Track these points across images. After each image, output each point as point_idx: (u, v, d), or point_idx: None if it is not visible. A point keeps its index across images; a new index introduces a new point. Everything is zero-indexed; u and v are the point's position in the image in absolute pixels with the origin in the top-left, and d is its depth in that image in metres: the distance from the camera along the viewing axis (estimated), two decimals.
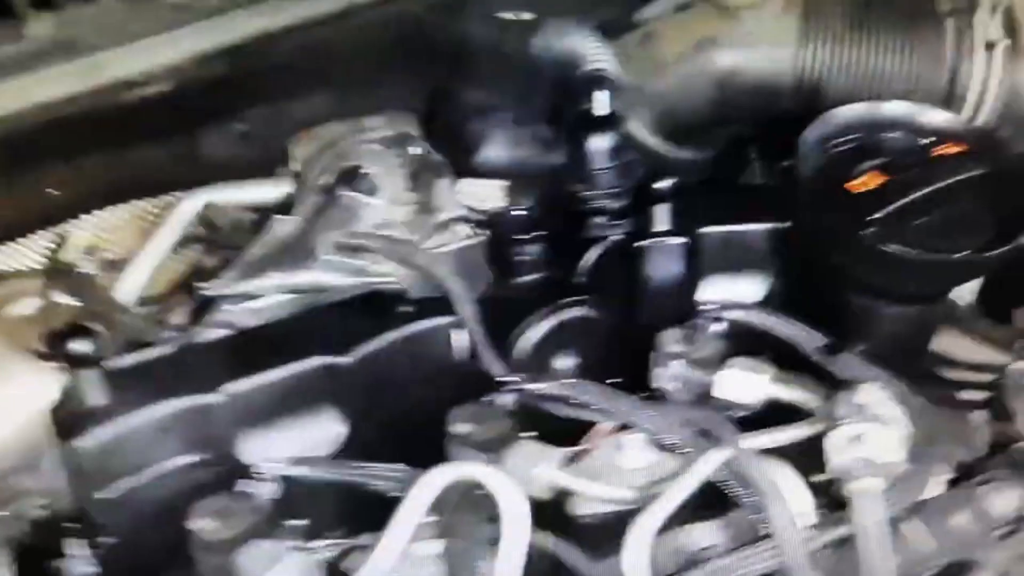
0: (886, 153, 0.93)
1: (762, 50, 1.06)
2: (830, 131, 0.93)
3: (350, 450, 0.89)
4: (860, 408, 0.78)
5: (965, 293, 1.06)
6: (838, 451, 0.77)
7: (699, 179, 1.15)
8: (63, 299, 0.91)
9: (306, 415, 0.89)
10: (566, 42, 0.97)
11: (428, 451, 0.80)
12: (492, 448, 0.80)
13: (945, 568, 0.80)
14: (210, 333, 0.93)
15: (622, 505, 0.80)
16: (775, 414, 0.85)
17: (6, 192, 0.89)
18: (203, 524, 0.75)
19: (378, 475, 0.81)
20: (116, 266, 1.00)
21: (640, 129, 1.10)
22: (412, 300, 0.94)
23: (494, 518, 0.74)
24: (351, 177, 0.97)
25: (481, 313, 0.90)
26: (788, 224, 0.98)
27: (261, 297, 0.94)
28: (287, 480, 0.83)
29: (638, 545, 0.75)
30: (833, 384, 0.83)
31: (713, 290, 0.99)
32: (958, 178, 0.89)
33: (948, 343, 1.01)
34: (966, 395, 0.98)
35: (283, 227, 0.97)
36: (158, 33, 0.73)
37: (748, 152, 1.15)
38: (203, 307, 0.94)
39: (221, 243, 1.03)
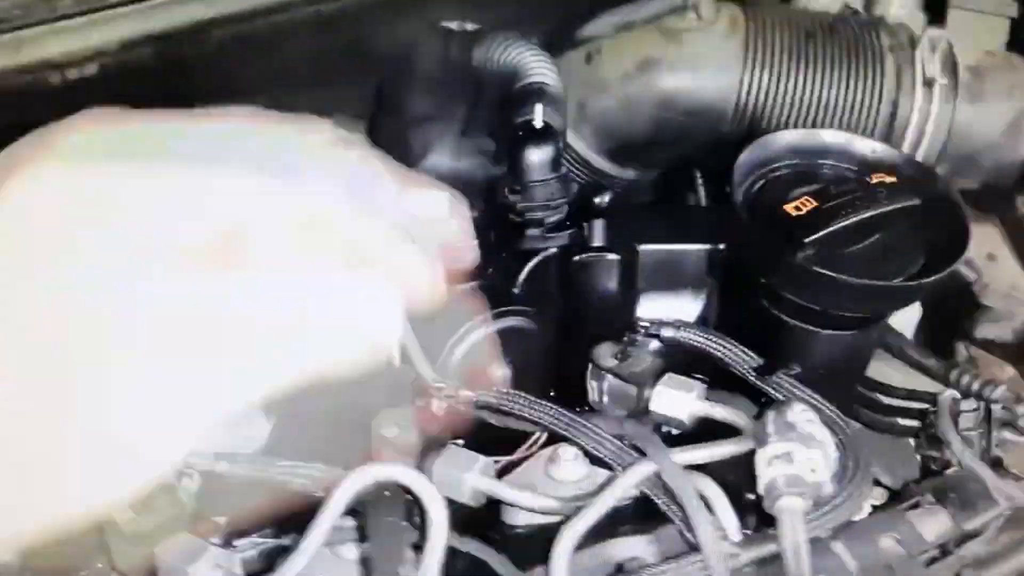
0: (821, 180, 0.93)
1: (704, 73, 1.07)
2: (765, 156, 0.93)
3: (275, 448, 0.87)
4: (789, 427, 0.78)
5: (905, 324, 1.07)
6: (765, 468, 0.77)
7: (642, 199, 1.16)
8: None
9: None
10: (508, 54, 0.97)
11: (356, 453, 0.79)
12: (420, 453, 0.79)
13: None
14: None
15: (552, 516, 0.79)
16: (717, 431, 0.84)
17: None
18: (124, 515, 0.74)
19: (301, 474, 0.80)
20: None
21: (582, 146, 1.10)
22: None
23: (415, 522, 0.74)
24: None
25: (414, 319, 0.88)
26: (724, 245, 0.98)
27: None
28: (210, 475, 0.81)
29: (560, 557, 0.74)
30: (766, 404, 0.83)
31: (651, 307, 0.99)
32: (891, 207, 0.89)
33: (884, 370, 1.02)
34: (899, 421, 0.98)
35: None
36: (86, 14, 0.71)
37: (693, 174, 1.15)
38: None
39: None
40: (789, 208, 0.89)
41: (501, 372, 0.96)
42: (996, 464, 0.89)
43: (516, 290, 0.97)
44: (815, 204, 0.89)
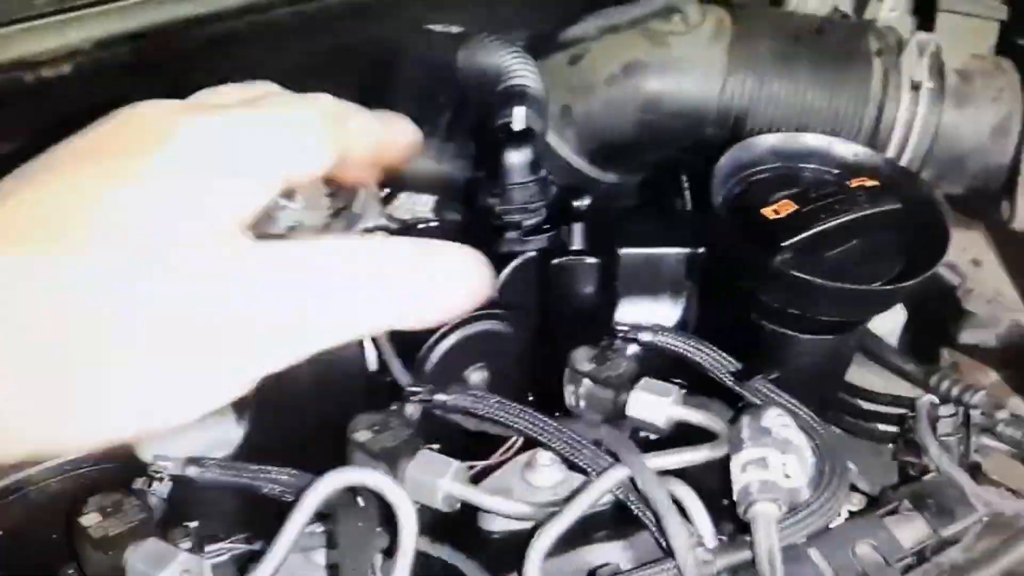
0: (802, 183, 0.93)
1: (689, 77, 1.07)
2: (746, 159, 0.93)
3: (247, 453, 0.87)
4: (763, 432, 0.77)
5: (890, 329, 1.07)
6: (739, 474, 0.76)
7: (626, 203, 1.16)
8: None
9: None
10: (490, 56, 0.97)
11: (328, 458, 0.78)
12: (392, 457, 0.78)
13: None
14: None
15: (527, 521, 0.79)
16: (695, 436, 0.84)
17: None
18: (91, 520, 0.73)
19: (272, 479, 0.79)
20: None
21: (566, 149, 1.10)
22: None
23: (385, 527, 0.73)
24: None
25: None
26: (704, 249, 0.97)
27: None
28: (181, 480, 0.80)
29: (532, 563, 0.74)
30: (741, 409, 0.83)
31: (630, 311, 0.99)
32: (872, 211, 0.89)
33: (864, 375, 1.02)
34: (879, 426, 0.98)
35: None
36: (62, 12, 0.71)
37: (680, 177, 1.15)
38: None
39: None
40: (768, 212, 0.88)
41: (478, 375, 0.96)
42: (975, 470, 0.89)
43: (495, 293, 0.96)
44: (794, 208, 0.88)
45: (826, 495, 0.77)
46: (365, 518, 0.74)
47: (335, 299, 0.46)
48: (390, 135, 0.61)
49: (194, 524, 0.78)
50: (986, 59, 1.18)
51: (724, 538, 0.77)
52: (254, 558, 0.74)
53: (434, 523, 0.79)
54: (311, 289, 0.46)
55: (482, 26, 1.02)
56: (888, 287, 0.85)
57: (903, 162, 1.10)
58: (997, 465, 0.89)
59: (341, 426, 0.80)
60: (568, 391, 0.88)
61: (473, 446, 0.90)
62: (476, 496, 0.79)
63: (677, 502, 0.77)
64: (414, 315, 0.49)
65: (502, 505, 0.79)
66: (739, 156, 0.93)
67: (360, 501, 0.76)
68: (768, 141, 0.95)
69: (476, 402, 0.85)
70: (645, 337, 0.92)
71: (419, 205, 1.09)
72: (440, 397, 0.85)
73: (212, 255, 0.44)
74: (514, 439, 0.90)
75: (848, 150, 0.96)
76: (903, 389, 0.98)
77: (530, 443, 0.86)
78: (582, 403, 0.88)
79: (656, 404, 0.84)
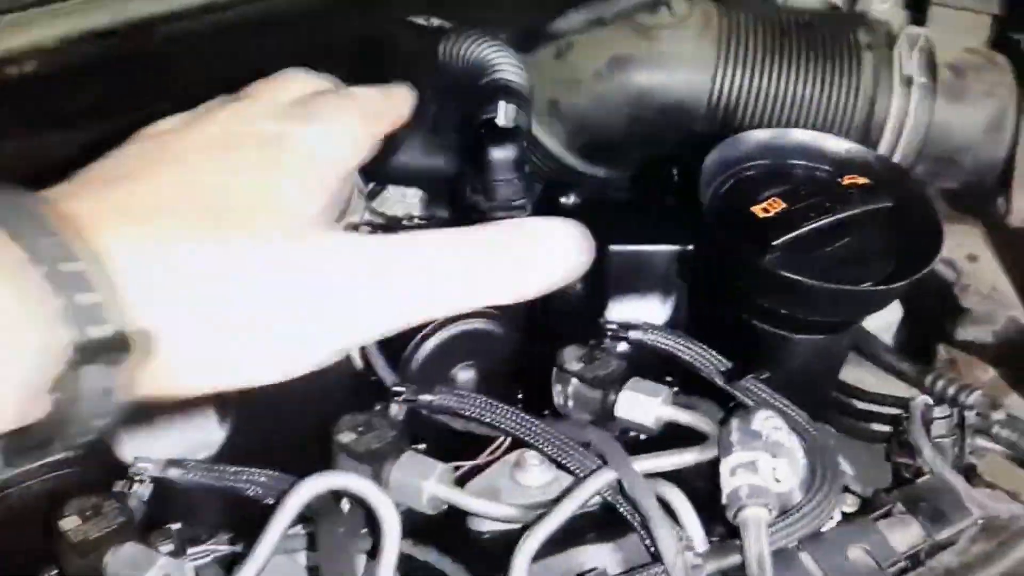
0: (792, 180, 0.91)
1: (678, 71, 1.05)
2: (735, 155, 0.91)
3: (229, 454, 0.86)
4: (754, 435, 0.76)
5: (886, 326, 1.06)
6: (728, 478, 0.75)
7: (615, 198, 1.14)
8: None
9: (186, 416, 0.86)
10: (474, 50, 0.95)
11: (312, 459, 0.77)
12: (376, 459, 0.77)
13: None
14: None
15: (513, 523, 0.78)
16: (685, 437, 0.83)
17: None
18: (71, 523, 0.72)
19: (253, 481, 0.78)
20: None
21: (555, 144, 1.09)
22: None
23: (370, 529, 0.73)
24: None
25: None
26: (693, 246, 0.96)
27: None
28: (162, 482, 0.79)
29: (519, 567, 0.72)
30: (731, 410, 0.81)
31: (620, 309, 0.97)
32: (863, 209, 0.88)
33: (859, 375, 1.01)
34: (873, 427, 0.97)
35: None
36: (25, 8, 0.69)
37: (671, 173, 1.14)
38: None
39: None
40: (757, 210, 0.87)
41: (466, 375, 0.94)
42: (969, 472, 0.88)
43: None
44: (784, 206, 0.87)
45: (817, 498, 0.76)
46: (347, 521, 0.73)
47: (425, 282, 0.52)
48: (395, 107, 0.67)
49: (176, 526, 0.77)
50: (979, 53, 1.16)
51: (716, 539, 0.76)
52: (237, 560, 0.73)
53: (421, 524, 0.78)
54: (401, 273, 0.52)
55: (467, 19, 1.00)
56: (880, 288, 0.84)
57: (896, 158, 1.08)
58: (992, 467, 0.88)
59: (325, 427, 0.79)
60: (556, 391, 0.87)
61: (461, 445, 0.88)
62: (461, 499, 0.78)
63: (667, 505, 0.75)
64: (510, 292, 0.54)
65: (487, 508, 0.78)
66: (728, 153, 0.92)
67: (345, 504, 0.75)
68: (757, 137, 0.94)
69: (462, 402, 0.83)
70: (635, 335, 0.91)
71: (407, 199, 1.08)
72: (425, 397, 0.84)
73: (314, 242, 0.51)
74: (502, 438, 0.88)
75: (839, 146, 0.95)
76: (899, 388, 0.97)
77: (519, 442, 0.85)
78: (570, 403, 0.87)
79: (645, 404, 0.83)
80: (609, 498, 0.78)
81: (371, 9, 0.96)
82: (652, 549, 0.74)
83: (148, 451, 0.81)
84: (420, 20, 0.99)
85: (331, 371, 0.54)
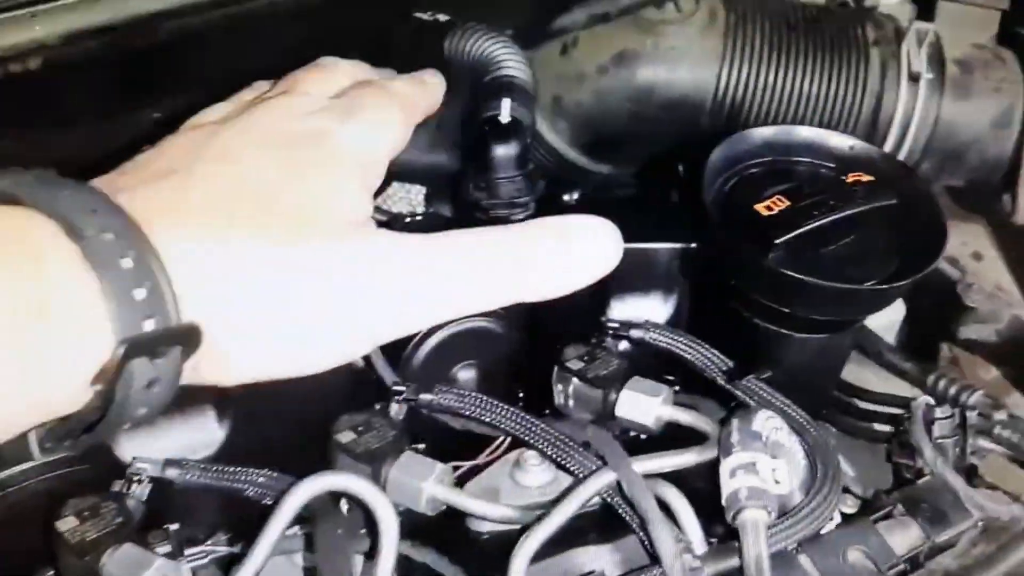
0: (796, 178, 0.91)
1: (682, 67, 1.04)
2: (739, 153, 0.91)
3: (228, 454, 0.86)
4: (754, 436, 0.76)
5: (889, 324, 1.05)
6: (728, 480, 0.75)
7: (620, 195, 1.14)
8: None
9: (185, 415, 0.86)
10: (477, 46, 0.94)
11: (312, 459, 0.77)
12: (375, 459, 0.77)
13: None
14: None
15: (512, 524, 0.78)
16: (686, 436, 0.82)
17: None
18: (68, 524, 0.71)
19: (252, 481, 0.78)
20: None
21: (559, 141, 1.08)
22: None
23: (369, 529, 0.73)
24: None
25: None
26: (696, 244, 0.95)
27: None
28: (160, 482, 0.79)
29: (518, 567, 0.72)
30: (732, 410, 0.81)
31: (622, 307, 0.97)
32: (867, 207, 0.87)
33: (861, 374, 1.00)
34: (874, 427, 0.96)
35: None
36: (28, 5, 0.69)
37: (676, 170, 1.13)
38: None
39: None
40: (760, 208, 0.86)
41: (466, 374, 0.94)
42: (971, 473, 0.87)
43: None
44: (788, 203, 0.87)
45: (817, 500, 0.76)
46: (344, 522, 0.73)
47: (466, 279, 0.55)
48: (430, 95, 0.71)
49: (174, 527, 0.77)
50: (987, 49, 1.15)
51: (715, 540, 0.76)
52: (235, 561, 0.73)
53: (420, 524, 0.77)
54: (444, 271, 0.54)
55: (471, 15, 0.99)
56: (883, 286, 0.84)
57: (902, 154, 1.07)
58: (994, 468, 0.88)
59: (324, 426, 0.79)
60: (557, 390, 0.87)
61: (461, 445, 0.88)
62: (460, 500, 0.78)
63: (666, 506, 0.75)
64: (546, 288, 0.58)
65: (486, 509, 0.78)
66: (732, 150, 0.91)
67: (344, 504, 0.75)
68: (761, 134, 0.93)
69: (462, 402, 0.83)
70: (636, 334, 0.91)
71: (412, 195, 1.08)
72: (425, 396, 0.84)
73: (358, 238, 0.54)
74: (502, 438, 0.88)
75: (844, 143, 0.94)
76: (901, 388, 0.97)
77: (518, 441, 0.85)
78: (571, 402, 0.86)
79: (645, 404, 0.83)
80: (608, 499, 0.77)
81: (376, 4, 0.95)
82: (651, 551, 0.74)
83: (147, 450, 0.81)
84: (425, 16, 0.98)
85: (330, 370, 0.54)
